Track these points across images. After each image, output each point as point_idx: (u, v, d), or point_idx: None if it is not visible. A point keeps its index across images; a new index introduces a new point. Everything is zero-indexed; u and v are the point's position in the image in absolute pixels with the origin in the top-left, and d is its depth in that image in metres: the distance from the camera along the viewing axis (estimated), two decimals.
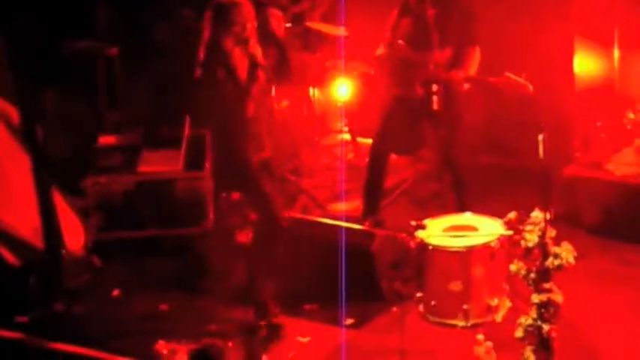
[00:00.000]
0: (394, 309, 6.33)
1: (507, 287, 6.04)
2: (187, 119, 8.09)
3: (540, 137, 5.24)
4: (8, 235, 6.75)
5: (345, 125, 9.04)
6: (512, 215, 5.37)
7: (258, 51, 6.04)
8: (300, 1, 8.84)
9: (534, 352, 5.14)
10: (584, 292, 6.25)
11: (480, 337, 5.58)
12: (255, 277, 6.39)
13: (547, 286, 5.09)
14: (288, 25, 8.26)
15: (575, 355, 5.63)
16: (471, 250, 5.94)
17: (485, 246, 5.95)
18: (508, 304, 6.06)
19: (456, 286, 5.94)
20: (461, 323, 5.97)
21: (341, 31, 8.50)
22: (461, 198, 7.08)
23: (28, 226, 6.83)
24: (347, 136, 9.02)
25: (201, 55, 6.06)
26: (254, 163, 6.10)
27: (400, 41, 6.96)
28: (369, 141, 7.65)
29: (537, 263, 5.12)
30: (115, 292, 6.91)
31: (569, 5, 7.90)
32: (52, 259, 6.80)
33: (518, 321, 5.19)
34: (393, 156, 7.58)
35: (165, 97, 8.43)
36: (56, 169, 7.27)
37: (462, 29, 6.84)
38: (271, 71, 6.23)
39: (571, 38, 7.94)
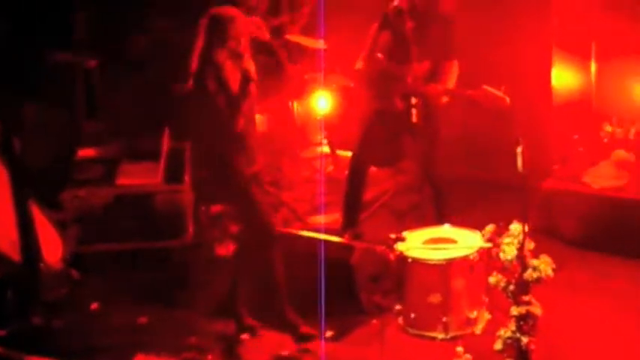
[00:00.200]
0: (374, 321, 6.33)
1: (486, 300, 6.05)
2: (166, 131, 8.08)
3: (518, 150, 5.26)
4: None
5: (325, 138, 9.05)
6: (490, 228, 5.39)
7: (251, 66, 6.01)
8: (279, 13, 8.85)
9: None
10: (563, 305, 6.28)
11: (460, 349, 5.59)
12: (236, 290, 6.38)
13: (526, 298, 5.11)
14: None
15: None
16: (450, 263, 5.95)
17: (465, 258, 5.96)
18: (487, 316, 6.07)
19: (435, 298, 5.95)
20: (440, 336, 5.97)
21: (320, 44, 8.51)
22: (440, 210, 7.10)
23: (5, 239, 6.77)
24: (326, 149, 9.03)
25: (194, 65, 6.01)
26: (246, 176, 6.06)
27: (379, 54, 6.98)
28: (349, 154, 7.67)
29: (516, 276, 5.14)
30: (94, 305, 6.88)
31: (547, 19, 7.95)
32: (29, 272, 6.75)
33: (498, 333, 5.20)
34: (373, 168, 7.59)
35: (144, 109, 8.41)
36: (34, 182, 7.23)
37: (441, 42, 6.88)
38: (266, 78, 6.23)
39: (549, 52, 7.99)
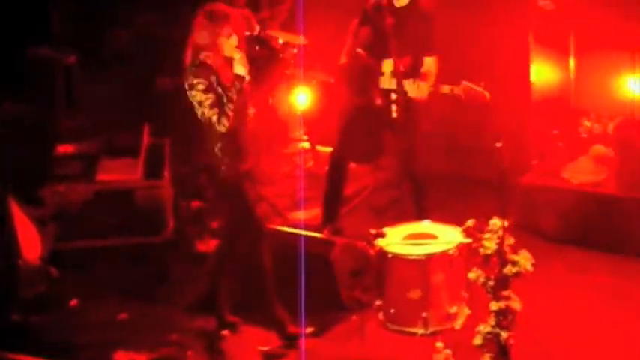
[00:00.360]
0: (354, 317, 6.33)
1: (466, 295, 6.08)
2: (146, 128, 8.06)
3: (498, 145, 5.28)
4: None
5: (305, 134, 9.05)
6: (470, 223, 5.40)
7: (244, 64, 5.98)
8: (259, 9, 8.84)
9: (493, 359, 5.17)
10: (542, 299, 6.30)
11: (439, 344, 5.61)
12: (218, 286, 6.37)
13: (505, 293, 5.12)
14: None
15: None
16: (429, 258, 5.97)
17: (444, 254, 5.98)
18: (467, 311, 6.10)
19: (415, 293, 5.97)
20: (420, 331, 5.99)
21: (300, 40, 8.51)
22: (420, 206, 7.12)
23: None
24: (306, 145, 9.04)
25: (187, 61, 5.95)
26: (238, 174, 6.03)
27: (359, 50, 6.99)
28: (329, 149, 7.67)
29: (495, 271, 5.15)
30: (73, 302, 6.85)
31: (525, 14, 7.97)
32: (8, 269, 6.74)
33: (477, 328, 5.22)
34: (353, 164, 7.60)
35: (124, 105, 8.38)
36: (13, 178, 7.21)
37: (421, 38, 6.88)
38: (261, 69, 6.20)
39: (527, 48, 8.01)
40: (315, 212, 7.67)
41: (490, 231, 5.17)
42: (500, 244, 5.11)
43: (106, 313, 6.65)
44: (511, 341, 5.14)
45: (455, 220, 6.07)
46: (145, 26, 8.68)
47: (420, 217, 6.73)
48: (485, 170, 7.98)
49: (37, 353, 5.78)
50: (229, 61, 5.90)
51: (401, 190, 7.50)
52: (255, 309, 6.33)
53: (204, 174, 8.14)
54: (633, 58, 7.36)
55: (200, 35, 5.90)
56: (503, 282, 5.12)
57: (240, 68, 5.90)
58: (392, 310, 6.06)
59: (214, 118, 5.81)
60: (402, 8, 6.88)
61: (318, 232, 7.09)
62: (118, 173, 7.58)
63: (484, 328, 5.17)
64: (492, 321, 5.13)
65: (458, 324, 6.05)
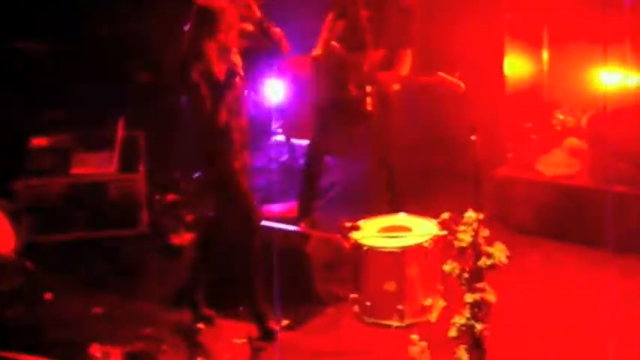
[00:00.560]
0: (330, 310, 6.35)
1: (441, 287, 6.11)
2: (121, 121, 8.03)
3: (473, 138, 5.29)
4: None
5: (279, 126, 9.04)
6: (445, 215, 5.42)
7: (238, 60, 5.94)
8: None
9: (467, 351, 5.19)
10: (517, 291, 6.33)
11: (415, 337, 5.62)
12: (195, 280, 6.35)
13: (480, 285, 5.14)
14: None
15: (508, 353, 5.71)
16: (404, 251, 5.99)
17: (419, 246, 6.00)
18: (442, 303, 6.13)
19: (390, 286, 5.99)
20: (396, 323, 6.02)
21: (277, 32, 8.48)
22: (395, 198, 7.14)
23: None
24: (281, 138, 9.03)
25: (182, 56, 5.89)
26: (232, 169, 6.00)
27: (334, 42, 6.99)
28: (303, 142, 7.67)
29: (470, 263, 5.17)
30: (48, 296, 6.82)
31: (498, 6, 7.99)
32: None
33: (452, 320, 5.24)
34: (328, 156, 7.60)
35: (99, 98, 8.33)
36: None
37: (397, 31, 6.88)
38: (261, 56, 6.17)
39: (501, 40, 8.04)
40: (291, 205, 7.66)
41: (465, 223, 5.18)
42: (475, 236, 5.13)
43: (80, 307, 6.62)
44: (486, 333, 5.16)
45: (430, 212, 6.09)
46: (125, 19, 8.63)
47: (395, 209, 6.75)
48: (459, 163, 8.02)
49: (11, 347, 5.74)
50: (224, 56, 5.85)
51: (376, 183, 7.52)
52: (236, 302, 6.33)
53: (180, 167, 8.16)
54: (606, 50, 7.39)
55: (195, 30, 5.84)
56: (477, 274, 5.14)
57: (235, 63, 5.86)
58: (367, 303, 6.08)
59: (208, 113, 5.78)
60: (377, 0, 6.88)
61: (294, 225, 7.08)
62: (93, 166, 7.55)
63: (459, 320, 5.19)
64: (467, 313, 5.15)
65: (433, 316, 6.08)
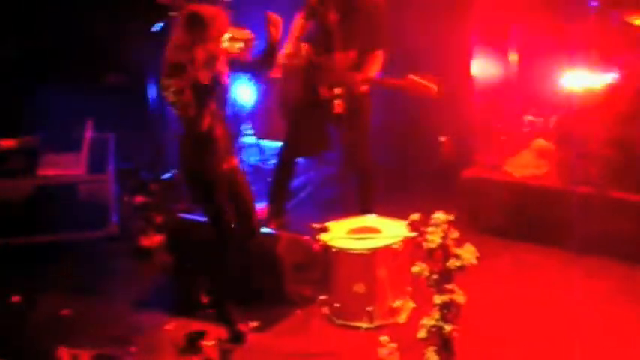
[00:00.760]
0: (299, 311, 6.35)
1: (410, 289, 6.13)
2: (89, 122, 7.99)
3: (442, 139, 5.32)
4: None
5: (250, 128, 9.04)
6: (415, 217, 5.43)
7: (224, 69, 5.90)
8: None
9: (437, 352, 5.21)
10: (486, 293, 6.36)
11: (384, 338, 5.64)
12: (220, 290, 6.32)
13: (449, 286, 5.16)
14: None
15: (477, 354, 5.73)
16: (374, 252, 6.01)
17: (388, 248, 6.02)
18: (411, 305, 6.15)
19: (359, 287, 6.00)
20: (365, 325, 6.03)
21: (246, 34, 8.47)
22: (365, 200, 7.14)
23: None
24: (251, 139, 9.03)
25: (167, 60, 5.82)
26: (216, 175, 5.96)
27: (304, 44, 6.99)
28: (274, 144, 7.66)
29: (439, 264, 5.19)
30: (16, 298, 6.77)
31: (467, 8, 8.03)
32: None
33: (421, 322, 5.25)
34: (299, 158, 7.60)
35: (68, 100, 8.29)
36: None
37: (367, 33, 6.89)
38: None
39: (470, 41, 8.08)
40: (261, 206, 7.65)
41: (434, 225, 5.20)
42: (445, 237, 5.15)
43: (49, 310, 6.58)
44: (455, 334, 5.19)
45: (400, 214, 6.10)
46: (91, 22, 8.60)
47: (365, 211, 6.76)
48: (429, 164, 8.06)
49: None
50: (211, 63, 5.80)
51: (346, 184, 7.53)
52: (205, 304, 6.33)
53: (149, 169, 8.14)
54: (572, 52, 7.45)
55: (182, 37, 5.77)
56: (446, 275, 5.16)
57: (221, 71, 5.83)
58: (337, 305, 6.09)
59: (191, 118, 5.74)
60: (347, 2, 6.88)
61: (264, 226, 7.08)
62: (61, 168, 7.50)
63: (428, 321, 5.21)
64: (436, 314, 5.17)
65: (402, 318, 6.10)
